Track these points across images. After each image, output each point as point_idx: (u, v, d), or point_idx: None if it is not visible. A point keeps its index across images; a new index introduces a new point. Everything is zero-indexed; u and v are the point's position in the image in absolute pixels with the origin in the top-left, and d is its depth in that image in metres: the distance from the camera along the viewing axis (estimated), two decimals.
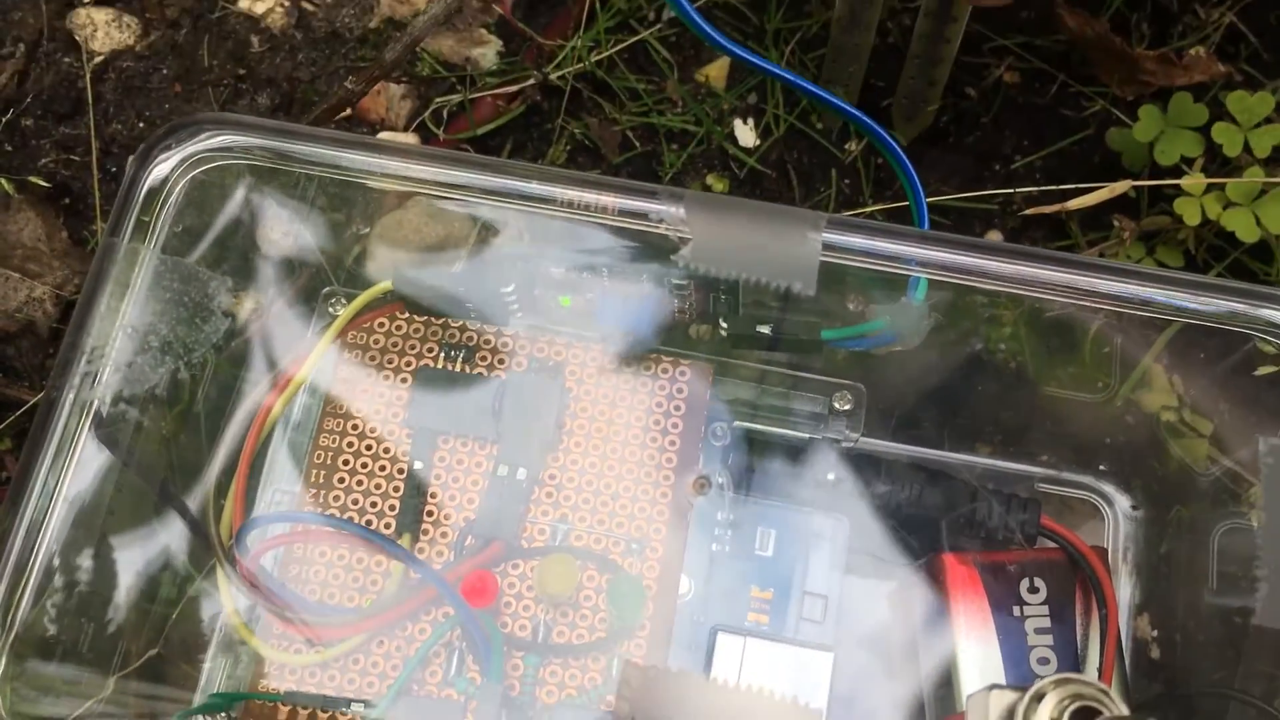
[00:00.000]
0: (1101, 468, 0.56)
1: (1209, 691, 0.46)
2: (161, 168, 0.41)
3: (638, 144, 0.64)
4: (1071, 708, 0.33)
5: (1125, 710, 0.33)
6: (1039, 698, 0.34)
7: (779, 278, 0.39)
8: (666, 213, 0.41)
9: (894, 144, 0.45)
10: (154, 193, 0.41)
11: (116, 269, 0.40)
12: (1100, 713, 0.32)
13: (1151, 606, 0.56)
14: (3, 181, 0.59)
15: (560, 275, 0.50)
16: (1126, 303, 0.44)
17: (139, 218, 0.41)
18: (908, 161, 0.44)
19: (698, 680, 0.34)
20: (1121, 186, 0.56)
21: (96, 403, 0.39)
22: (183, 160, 0.42)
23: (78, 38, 0.65)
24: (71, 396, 0.38)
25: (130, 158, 0.41)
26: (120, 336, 0.39)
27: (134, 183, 0.41)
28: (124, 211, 0.40)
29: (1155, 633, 0.55)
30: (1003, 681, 0.45)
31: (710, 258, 0.39)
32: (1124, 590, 0.56)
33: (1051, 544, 0.51)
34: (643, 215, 0.43)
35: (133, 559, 0.46)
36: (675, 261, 0.40)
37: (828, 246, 0.42)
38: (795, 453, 0.52)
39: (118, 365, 0.39)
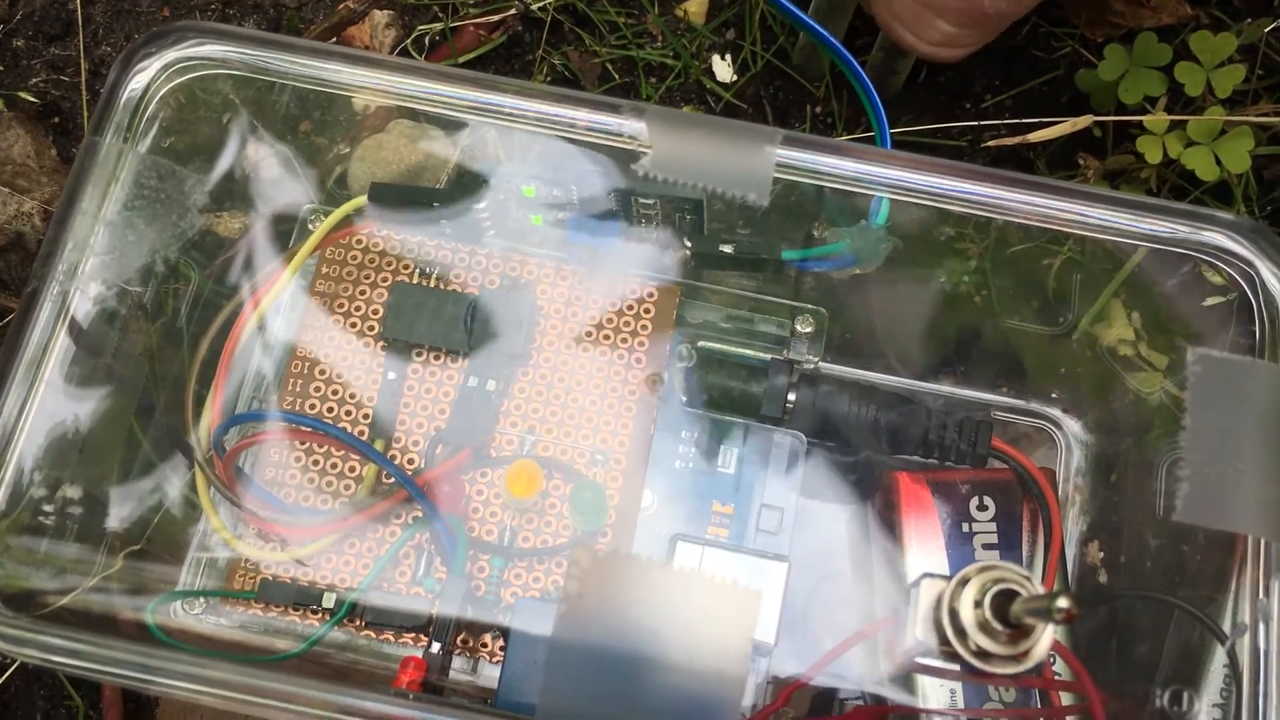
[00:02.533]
0: (1055, 396, 0.57)
1: (1130, 594, 0.48)
2: (143, 74, 0.43)
3: (617, 76, 0.66)
4: (994, 589, 0.35)
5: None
6: (964, 582, 0.35)
7: (735, 188, 0.41)
8: (630, 126, 0.43)
9: (852, 60, 0.46)
10: (136, 97, 0.43)
11: (98, 167, 0.41)
12: (1018, 594, 0.34)
13: (1101, 534, 0.58)
14: None
15: (532, 195, 0.51)
16: (1080, 224, 0.45)
17: (120, 120, 0.42)
18: (867, 78, 0.46)
19: (643, 562, 0.36)
20: (1084, 121, 0.57)
21: (77, 294, 0.40)
22: (165, 67, 0.43)
23: None
24: (54, 287, 0.40)
25: (115, 60, 0.42)
26: (101, 230, 0.41)
27: (116, 85, 0.42)
28: (106, 113, 0.42)
29: (1103, 555, 0.57)
30: None
31: (669, 168, 0.41)
32: (1074, 518, 0.58)
33: (1002, 465, 0.52)
34: (610, 132, 0.45)
35: (112, 458, 0.48)
36: (636, 172, 0.41)
37: (788, 167, 0.44)
38: (758, 373, 0.54)
39: (98, 256, 0.41)
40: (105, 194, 0.41)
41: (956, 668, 0.39)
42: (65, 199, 0.41)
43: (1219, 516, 0.37)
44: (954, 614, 0.36)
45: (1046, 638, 0.35)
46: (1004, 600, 0.35)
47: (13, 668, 0.55)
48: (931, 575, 0.37)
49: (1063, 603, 0.32)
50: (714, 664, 0.36)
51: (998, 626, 0.35)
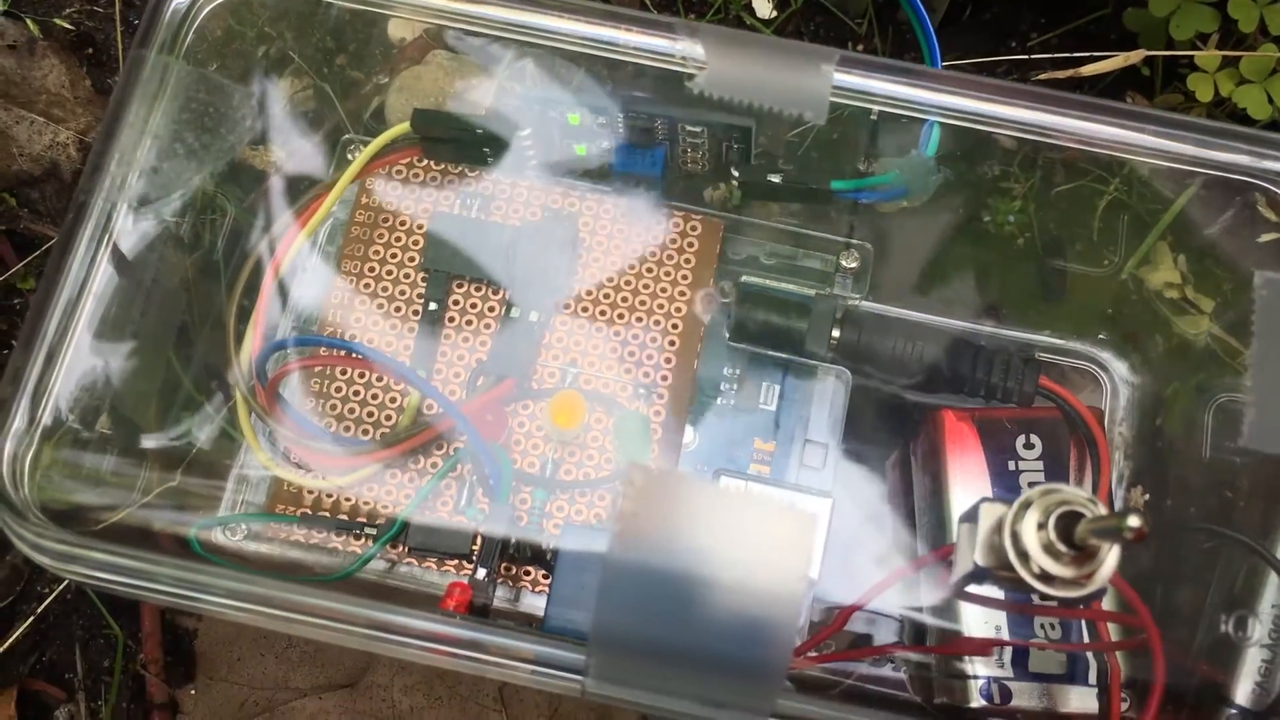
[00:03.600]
0: (1101, 337, 0.57)
1: (1196, 527, 0.48)
2: None
3: (654, 10, 0.65)
4: (1057, 512, 0.34)
5: None
6: (1026, 505, 0.35)
7: (791, 107, 0.40)
8: (682, 47, 0.42)
9: None
10: (181, 11, 0.42)
11: (144, 81, 0.41)
12: (1083, 515, 0.34)
13: (1145, 478, 0.57)
14: (29, 22, 0.59)
15: (576, 123, 0.50)
16: (1138, 148, 0.44)
17: (164, 37, 0.42)
18: None
19: (699, 482, 0.36)
20: (1136, 55, 0.56)
21: (125, 205, 0.40)
22: None
23: None
24: (101, 200, 0.40)
25: None
26: (148, 142, 0.40)
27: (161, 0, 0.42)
28: (152, 25, 0.41)
29: (1147, 498, 0.56)
30: None
31: (725, 85, 0.40)
32: (1119, 461, 0.57)
33: (1048, 405, 0.52)
34: (660, 54, 0.44)
35: (154, 379, 0.47)
36: (690, 90, 0.40)
37: (841, 89, 0.43)
38: (802, 309, 0.53)
39: (145, 170, 0.40)
40: (152, 108, 0.41)
41: (1004, 596, 0.38)
42: (110, 112, 0.40)
43: None
44: (1016, 537, 0.35)
45: (1112, 560, 0.34)
46: (1069, 522, 0.34)
47: (51, 597, 0.55)
48: (991, 499, 0.36)
49: (1134, 520, 0.31)
50: (770, 585, 0.35)
51: (1062, 548, 0.34)
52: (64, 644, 0.55)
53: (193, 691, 0.54)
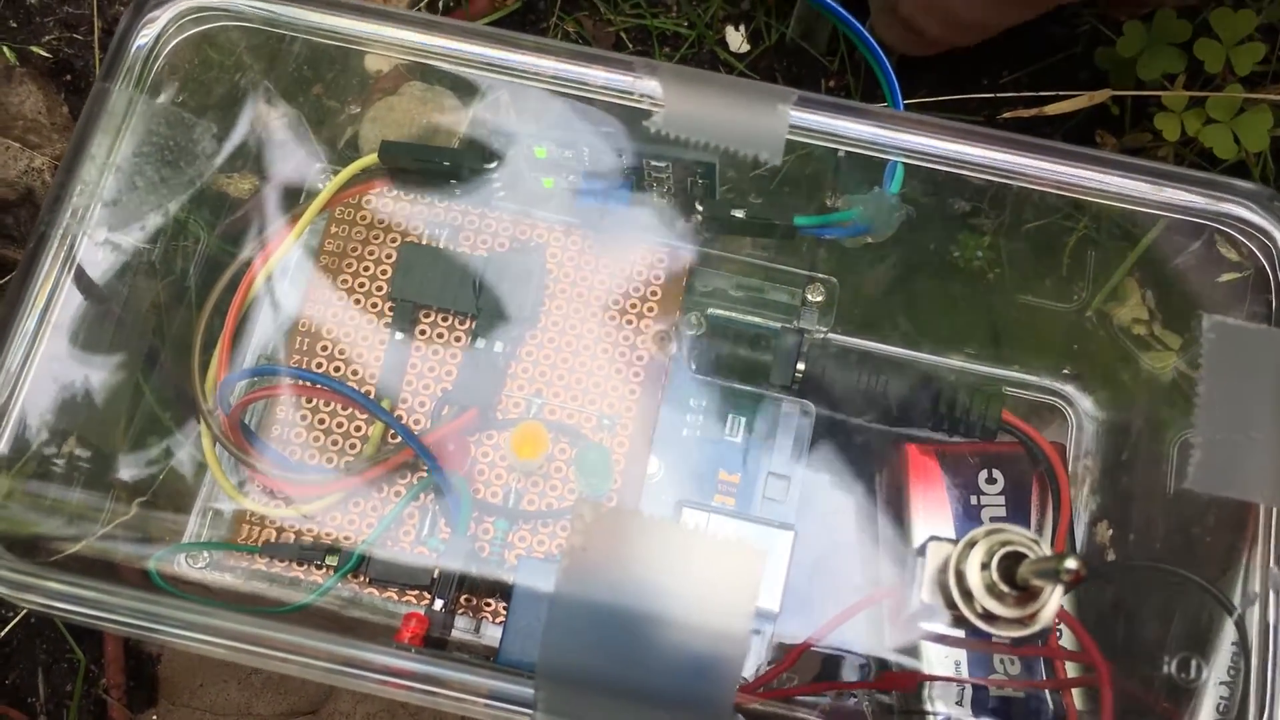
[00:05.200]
0: (1066, 372, 0.57)
1: (1141, 564, 0.48)
2: (154, 23, 0.43)
3: (630, 45, 0.65)
4: (1001, 551, 0.34)
5: None
6: (971, 544, 0.35)
7: (747, 147, 0.40)
8: (643, 85, 0.42)
9: (853, 20, 0.46)
10: (147, 45, 0.43)
11: (107, 113, 0.41)
12: (1026, 556, 0.34)
13: (1110, 513, 0.57)
14: (6, 49, 0.60)
15: (544, 156, 0.51)
16: (1097, 192, 0.45)
17: (130, 68, 0.42)
18: (864, 30, 0.45)
19: (646, 518, 0.36)
20: (1102, 95, 0.57)
21: (85, 240, 0.40)
22: (178, 15, 0.43)
23: None
24: (61, 233, 0.40)
25: (126, 8, 0.42)
26: (109, 175, 0.41)
27: (127, 32, 0.42)
28: (117, 60, 0.42)
29: (1111, 533, 0.56)
30: None
31: (681, 125, 0.40)
32: (1084, 497, 0.57)
33: (1011, 439, 0.52)
34: (624, 91, 0.44)
35: (118, 409, 0.47)
36: (648, 129, 0.41)
37: (802, 129, 0.44)
38: (768, 342, 0.54)
39: (106, 201, 0.40)
40: (115, 140, 0.41)
41: (961, 633, 0.38)
42: (74, 144, 0.40)
43: (1230, 485, 0.37)
44: (960, 576, 0.35)
45: (1054, 601, 0.34)
46: (1011, 562, 0.34)
47: (14, 621, 0.55)
48: (938, 538, 0.37)
49: (1071, 564, 0.31)
50: (717, 622, 0.36)
51: (1004, 589, 0.34)
52: (27, 668, 0.55)
53: (154, 717, 0.54)
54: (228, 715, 0.54)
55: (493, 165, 0.51)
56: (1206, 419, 0.37)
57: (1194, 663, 0.41)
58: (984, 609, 0.35)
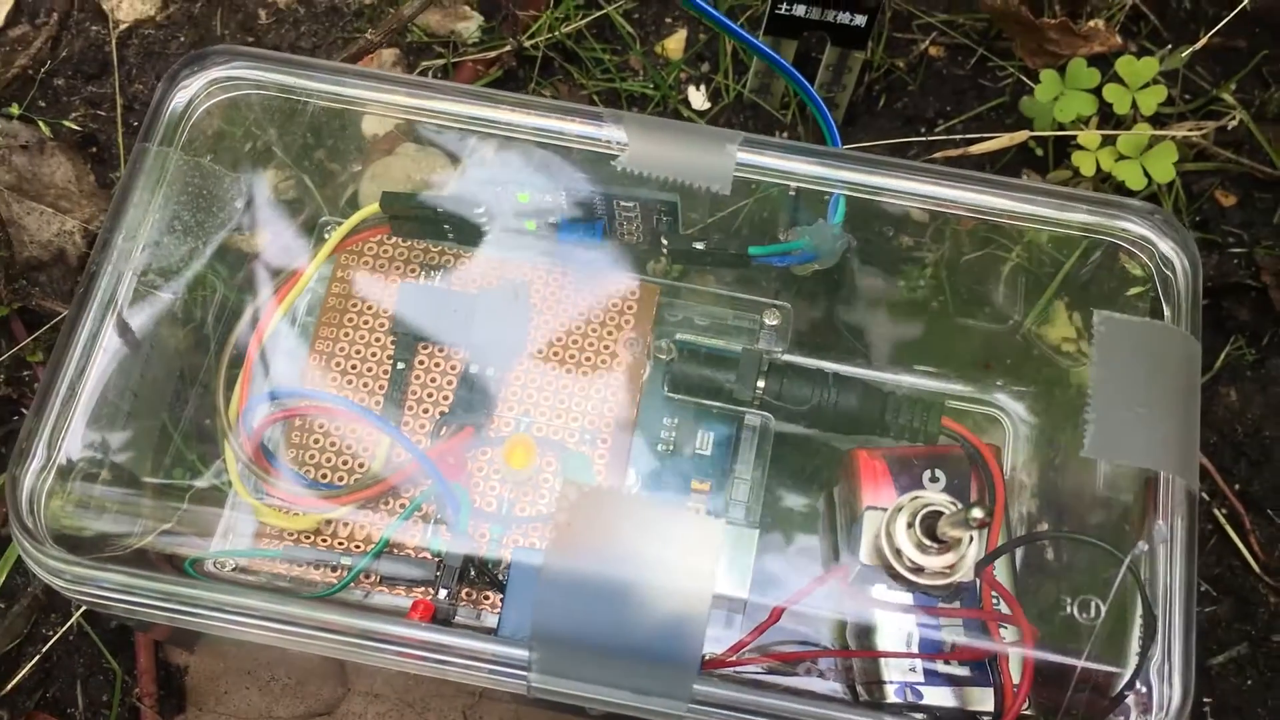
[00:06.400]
0: (1000, 384, 0.63)
1: (1047, 535, 0.53)
2: (185, 90, 0.49)
3: (602, 106, 0.72)
4: (922, 512, 0.40)
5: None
6: (899, 509, 0.41)
7: (700, 180, 0.47)
8: (610, 132, 0.49)
9: (794, 71, 0.53)
10: (179, 109, 0.49)
11: (147, 169, 0.48)
12: (943, 513, 0.40)
13: (1047, 514, 0.63)
14: (41, 124, 0.67)
15: (526, 200, 0.57)
16: (1009, 214, 0.52)
17: (165, 130, 0.49)
18: (804, 80, 0.52)
19: (622, 495, 0.42)
20: (1020, 135, 0.64)
21: (130, 276, 0.46)
22: (206, 84, 0.49)
23: (104, 8, 0.73)
24: (110, 269, 0.46)
25: (160, 79, 0.49)
26: (150, 220, 0.47)
27: (163, 99, 0.49)
28: (154, 122, 0.48)
29: (1046, 526, 0.62)
30: None
31: (643, 163, 0.47)
32: (1025, 500, 0.63)
33: (953, 442, 0.58)
34: (594, 139, 0.51)
35: (151, 434, 0.53)
36: (615, 168, 0.47)
37: (751, 166, 0.50)
38: (731, 363, 0.60)
39: (148, 243, 0.47)
40: (154, 192, 0.48)
41: (906, 598, 0.44)
42: (118, 196, 0.47)
43: (1119, 452, 0.43)
44: (890, 536, 0.41)
45: (972, 551, 0.40)
46: (932, 520, 0.40)
47: (54, 638, 0.60)
48: (873, 508, 0.43)
49: (976, 512, 0.37)
50: (685, 582, 0.41)
51: (928, 543, 0.40)
52: (66, 681, 0.60)
53: None
54: (250, 718, 0.59)
55: (481, 210, 0.57)
56: (1099, 397, 0.44)
57: (1094, 604, 0.46)
58: (912, 562, 0.41)
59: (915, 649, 0.53)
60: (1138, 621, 0.47)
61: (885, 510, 0.42)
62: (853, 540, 0.55)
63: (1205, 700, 0.62)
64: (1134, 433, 0.43)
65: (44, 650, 0.60)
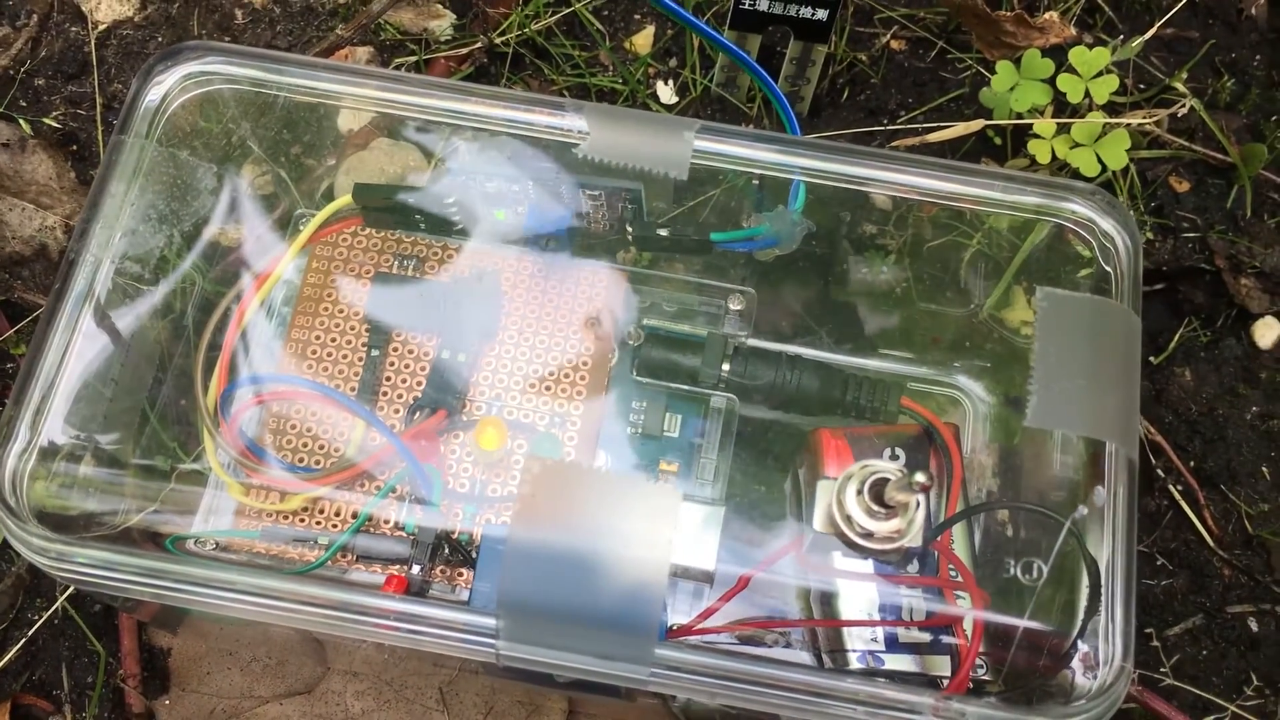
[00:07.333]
0: (958, 365, 0.65)
1: (997, 505, 0.55)
2: (160, 86, 0.51)
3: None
4: (870, 479, 0.42)
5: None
6: (848, 478, 0.43)
7: (659, 166, 0.49)
8: (572, 121, 0.51)
9: (753, 63, 0.54)
10: (154, 104, 0.51)
11: (123, 160, 0.49)
12: (890, 479, 0.42)
13: (1007, 493, 0.65)
14: (22, 122, 0.68)
15: (495, 191, 0.59)
16: (962, 197, 0.53)
17: (140, 123, 0.50)
18: (763, 71, 0.54)
19: (583, 469, 0.43)
20: (976, 124, 0.66)
21: (109, 262, 0.48)
22: (181, 79, 0.51)
23: (84, 9, 0.75)
24: (89, 255, 0.48)
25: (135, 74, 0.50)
26: (127, 209, 0.49)
27: (138, 93, 0.50)
28: (130, 116, 0.50)
29: (1008, 512, 0.64)
30: None
31: (605, 150, 0.49)
32: (986, 479, 0.65)
33: (912, 421, 0.60)
34: (559, 129, 0.53)
35: (132, 416, 0.55)
36: (576, 156, 0.49)
37: (709, 153, 0.52)
38: (696, 347, 0.62)
39: (125, 231, 0.48)
40: (130, 181, 0.49)
41: (865, 565, 0.46)
42: (95, 186, 0.48)
43: (1060, 421, 0.45)
44: (841, 504, 0.43)
45: (919, 516, 0.42)
46: (880, 487, 0.42)
47: (40, 622, 0.62)
48: (824, 478, 0.45)
49: (920, 477, 0.39)
50: (644, 551, 0.43)
51: (876, 508, 0.42)
52: (52, 664, 0.61)
53: (167, 702, 0.61)
54: (232, 697, 0.61)
55: (452, 200, 0.59)
56: (1041, 369, 0.46)
57: (1036, 565, 0.48)
58: (862, 528, 0.42)
59: (877, 617, 0.55)
60: (1084, 588, 0.49)
61: (834, 480, 0.44)
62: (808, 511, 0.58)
63: (1161, 669, 0.64)
64: (1075, 403, 0.45)
65: (29, 634, 0.62)
